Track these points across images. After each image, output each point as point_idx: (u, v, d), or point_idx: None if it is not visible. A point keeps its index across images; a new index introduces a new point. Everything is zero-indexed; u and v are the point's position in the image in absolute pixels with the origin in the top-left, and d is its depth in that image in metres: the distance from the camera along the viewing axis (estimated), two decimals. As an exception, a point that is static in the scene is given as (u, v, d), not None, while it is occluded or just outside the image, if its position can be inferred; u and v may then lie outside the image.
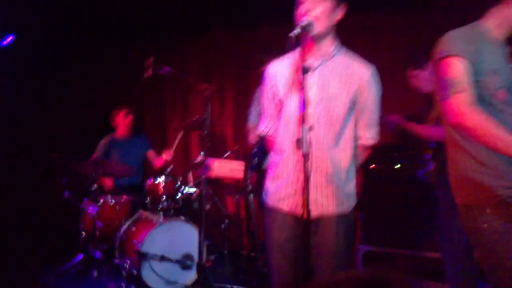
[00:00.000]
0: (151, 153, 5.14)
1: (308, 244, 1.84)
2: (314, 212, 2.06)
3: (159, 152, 5.08)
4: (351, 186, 2.22)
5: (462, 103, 1.69)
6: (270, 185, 2.27)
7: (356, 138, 2.23)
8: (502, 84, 1.80)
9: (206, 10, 5.05)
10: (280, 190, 2.19)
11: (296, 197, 2.11)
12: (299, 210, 2.07)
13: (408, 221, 3.75)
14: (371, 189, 3.92)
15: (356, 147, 2.24)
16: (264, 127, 2.39)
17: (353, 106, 2.16)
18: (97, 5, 4.97)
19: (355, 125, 2.22)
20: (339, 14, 2.15)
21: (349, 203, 2.19)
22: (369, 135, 2.25)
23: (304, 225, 1.82)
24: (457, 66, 1.76)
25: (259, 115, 2.47)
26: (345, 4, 2.16)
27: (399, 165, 3.88)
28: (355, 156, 2.24)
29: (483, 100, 1.76)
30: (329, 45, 2.17)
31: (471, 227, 1.85)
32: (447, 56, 1.80)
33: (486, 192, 1.79)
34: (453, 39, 1.84)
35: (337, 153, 2.15)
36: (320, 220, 2.11)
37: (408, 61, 3.32)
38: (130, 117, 5.01)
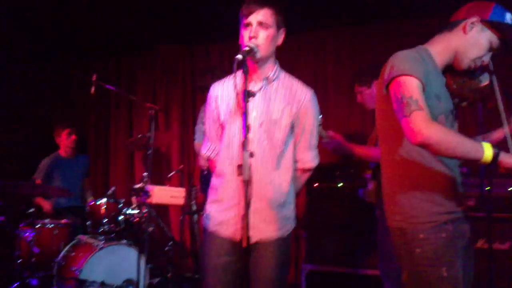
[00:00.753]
0: (85, 181, 5.03)
1: (247, 269, 1.84)
2: (254, 238, 2.06)
3: (101, 172, 4.92)
4: (290, 209, 2.24)
5: (421, 121, 1.66)
6: (211, 208, 2.26)
7: (295, 160, 2.26)
8: (442, 110, 1.83)
9: (152, 27, 5.00)
10: (220, 214, 2.18)
11: (236, 221, 2.11)
12: (238, 235, 2.08)
13: (350, 239, 3.82)
14: (314, 208, 3.98)
15: (295, 170, 2.27)
16: (206, 150, 2.39)
17: (292, 129, 2.20)
18: (40, 22, 4.81)
19: (294, 148, 2.25)
20: (280, 39, 2.20)
21: (288, 227, 2.21)
22: (308, 158, 2.29)
23: (243, 250, 1.82)
24: (413, 85, 1.73)
25: (204, 137, 2.46)
26: (284, 29, 2.21)
27: (341, 184, 3.96)
28: (294, 179, 2.26)
29: None
30: (270, 68, 2.21)
31: (403, 249, 1.86)
32: (401, 75, 1.77)
33: (421, 217, 1.81)
34: (405, 59, 1.82)
35: (278, 177, 2.17)
36: (258, 244, 2.11)
37: (356, 77, 3.37)
38: (73, 137, 4.85)
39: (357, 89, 3.33)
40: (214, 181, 2.28)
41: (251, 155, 1.83)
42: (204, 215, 2.30)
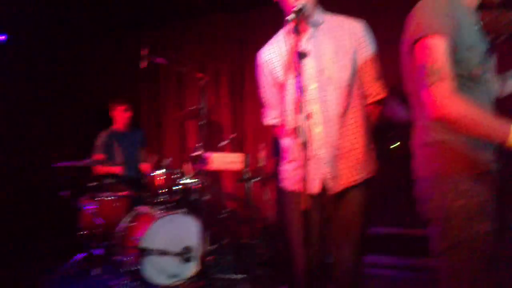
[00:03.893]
0: (142, 152, 5.12)
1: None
2: (338, 186, 2.12)
3: (153, 146, 5.00)
4: (368, 151, 2.20)
5: (443, 94, 1.51)
6: (286, 168, 2.29)
7: (364, 97, 2.20)
8: (478, 59, 1.66)
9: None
10: (296, 172, 2.19)
11: (312, 177, 2.10)
12: (316, 189, 2.11)
13: (406, 200, 3.74)
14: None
15: (365, 106, 2.21)
16: (271, 118, 2.38)
17: (355, 65, 2.14)
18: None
19: (361, 84, 2.18)
20: None
21: (369, 169, 2.20)
22: (378, 90, 2.21)
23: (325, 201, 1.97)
24: (437, 49, 1.56)
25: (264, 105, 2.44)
26: None
27: (396, 144, 3.85)
28: (366, 116, 2.21)
29: (461, 76, 1.62)
30: (314, 14, 2.16)
31: (436, 200, 1.69)
32: (426, 36, 1.59)
33: (465, 163, 1.65)
34: (431, 12, 1.62)
35: (349, 121, 2.13)
36: (343, 191, 2.14)
37: None
38: (129, 113, 4.94)
39: None
40: (285, 142, 2.29)
41: (308, 117, 1.79)
42: (281, 176, 2.32)
